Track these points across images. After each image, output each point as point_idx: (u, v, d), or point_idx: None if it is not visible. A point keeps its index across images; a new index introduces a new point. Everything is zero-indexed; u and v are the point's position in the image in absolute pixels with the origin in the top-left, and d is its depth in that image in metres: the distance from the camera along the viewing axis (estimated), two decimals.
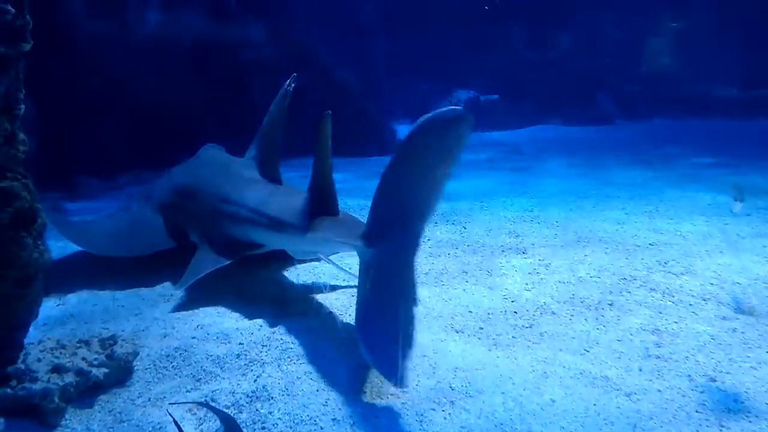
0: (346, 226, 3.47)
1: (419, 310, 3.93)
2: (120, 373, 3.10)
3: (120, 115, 8.55)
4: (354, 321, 3.37)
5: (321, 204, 3.62)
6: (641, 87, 16.02)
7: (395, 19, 16.57)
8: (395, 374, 2.72)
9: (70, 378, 2.91)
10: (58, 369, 2.94)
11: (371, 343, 2.86)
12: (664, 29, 16.82)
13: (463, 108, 2.90)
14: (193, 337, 3.60)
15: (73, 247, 4.97)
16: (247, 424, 2.75)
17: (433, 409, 2.84)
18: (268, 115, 4.58)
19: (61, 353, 3.07)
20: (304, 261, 4.76)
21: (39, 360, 3.00)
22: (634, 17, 16.51)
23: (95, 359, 3.04)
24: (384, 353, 2.78)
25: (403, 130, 13.44)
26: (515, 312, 3.92)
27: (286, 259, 5.04)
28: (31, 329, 3.07)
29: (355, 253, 3.36)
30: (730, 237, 5.29)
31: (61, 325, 3.78)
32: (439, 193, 2.94)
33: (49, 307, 3.99)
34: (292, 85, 4.43)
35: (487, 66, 16.69)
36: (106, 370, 3.01)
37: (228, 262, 4.15)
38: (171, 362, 3.31)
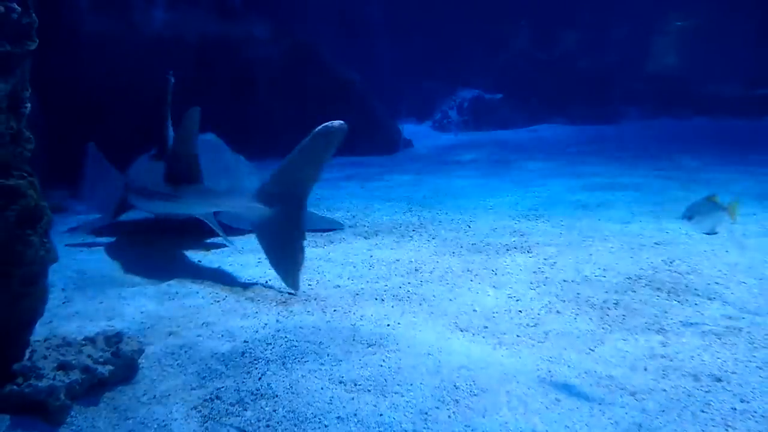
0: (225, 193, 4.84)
1: (423, 308, 3.94)
2: (125, 371, 3.10)
3: (126, 113, 8.57)
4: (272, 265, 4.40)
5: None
6: (647, 86, 15.94)
7: (400, 19, 16.55)
8: (292, 285, 4.25)
9: (75, 375, 2.91)
10: (63, 366, 2.95)
11: (281, 270, 4.33)
12: (670, 28, 16.73)
13: (342, 124, 4.04)
14: (198, 335, 3.61)
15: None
16: (252, 421, 2.76)
17: (438, 408, 2.84)
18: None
19: (66, 350, 3.08)
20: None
21: (45, 357, 3.01)
22: (640, 16, 16.43)
23: (101, 357, 3.05)
24: (287, 274, 4.30)
25: (408, 129, 13.47)
26: (520, 311, 3.91)
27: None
28: (37, 326, 3.08)
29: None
30: (735, 236, 5.27)
31: (67, 322, 3.80)
32: (318, 176, 4.38)
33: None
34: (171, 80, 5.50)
35: (492, 65, 16.65)
36: (111, 368, 3.02)
37: None
38: (176, 360, 3.32)
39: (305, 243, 4.27)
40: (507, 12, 16.56)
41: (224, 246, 5.42)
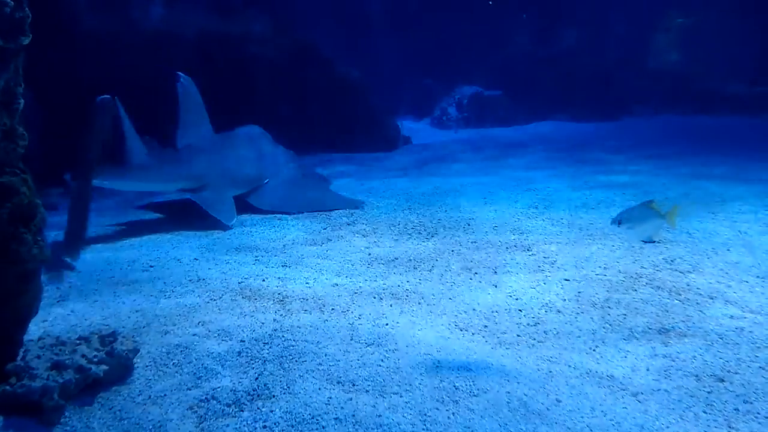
0: None
1: (422, 308, 3.90)
2: (120, 371, 3.06)
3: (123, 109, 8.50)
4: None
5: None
6: (649, 83, 15.88)
7: (400, 15, 16.48)
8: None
9: (69, 375, 2.87)
10: (57, 366, 2.91)
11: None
12: (671, 25, 16.67)
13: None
14: (194, 334, 3.57)
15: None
16: (248, 422, 2.72)
17: (438, 408, 2.80)
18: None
19: (60, 350, 3.04)
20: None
21: (38, 357, 2.97)
22: (641, 13, 16.37)
23: (95, 356, 3.01)
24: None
25: (407, 126, 13.43)
26: (520, 310, 3.87)
27: (287, 256, 5.01)
28: (30, 325, 3.04)
29: None
30: (737, 234, 5.23)
31: (62, 321, 3.76)
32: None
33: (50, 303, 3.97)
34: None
35: (492, 62, 16.60)
36: (106, 368, 2.98)
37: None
38: (172, 359, 3.28)
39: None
40: (507, 9, 16.50)
41: (221, 242, 5.38)
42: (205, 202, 5.95)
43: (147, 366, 3.21)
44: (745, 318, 3.68)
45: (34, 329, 3.23)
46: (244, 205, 6.40)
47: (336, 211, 6.45)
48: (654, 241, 3.80)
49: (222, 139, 6.74)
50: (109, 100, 4.93)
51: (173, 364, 3.24)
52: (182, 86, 6.38)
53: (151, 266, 4.81)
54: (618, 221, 3.50)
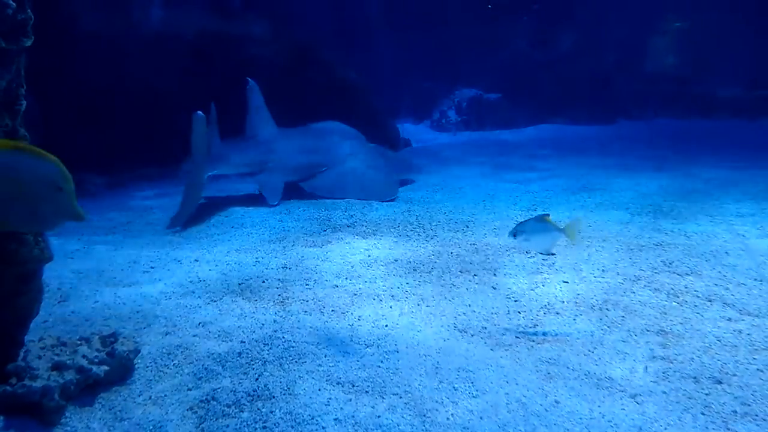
0: None
1: (422, 309, 3.92)
2: (121, 371, 3.08)
3: (124, 112, 8.53)
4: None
5: None
6: (646, 86, 15.92)
7: (399, 18, 16.51)
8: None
9: (70, 375, 2.89)
10: (58, 366, 2.92)
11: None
12: (668, 28, 16.72)
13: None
14: (194, 335, 3.58)
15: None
16: (248, 423, 2.73)
17: (437, 410, 2.82)
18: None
19: (61, 350, 3.05)
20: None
21: (39, 357, 2.98)
22: (639, 16, 16.41)
23: (96, 357, 3.02)
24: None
25: (406, 129, 13.45)
26: (519, 312, 3.89)
27: (287, 257, 5.03)
28: (31, 326, 3.05)
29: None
30: (735, 237, 5.25)
31: (63, 322, 3.77)
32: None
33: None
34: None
35: (492, 64, 16.62)
36: (106, 368, 2.99)
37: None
38: (172, 360, 3.29)
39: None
40: (506, 12, 16.55)
41: (224, 244, 5.39)
42: (259, 184, 7.21)
43: (147, 366, 3.22)
44: (743, 320, 3.69)
45: (35, 330, 3.23)
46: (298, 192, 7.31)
47: (336, 213, 6.47)
48: (552, 254, 3.87)
49: (288, 132, 7.76)
50: (202, 117, 6.17)
51: (174, 364, 3.25)
52: (250, 89, 7.43)
53: (152, 267, 4.82)
54: (514, 234, 3.57)
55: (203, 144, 6.33)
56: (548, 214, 3.58)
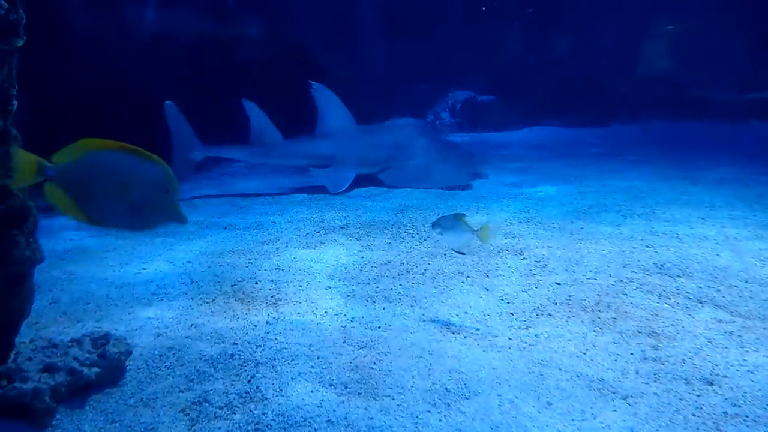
0: None
1: (415, 311, 3.92)
2: (112, 373, 3.06)
3: (116, 113, 8.49)
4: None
5: None
6: (639, 89, 16.00)
7: (393, 21, 16.52)
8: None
9: (61, 377, 2.87)
10: (49, 368, 2.91)
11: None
12: (661, 32, 16.82)
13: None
14: (186, 337, 3.57)
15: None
16: (241, 425, 2.73)
17: (429, 411, 2.82)
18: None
19: (52, 352, 3.04)
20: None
21: (30, 359, 2.96)
22: (632, 20, 16.50)
23: (87, 358, 3.01)
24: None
25: None
26: (511, 313, 3.90)
27: (281, 259, 5.02)
28: (22, 327, 3.04)
29: None
30: (727, 240, 5.28)
31: (54, 323, 3.75)
32: None
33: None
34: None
35: (486, 67, 16.67)
36: (98, 370, 2.98)
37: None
38: (164, 362, 3.28)
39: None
40: (500, 15, 16.61)
41: (217, 245, 5.38)
42: (326, 175, 7.78)
43: (139, 368, 3.21)
44: (734, 322, 3.72)
45: (26, 331, 3.22)
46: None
47: (330, 214, 6.47)
48: (462, 253, 3.95)
49: (362, 128, 8.44)
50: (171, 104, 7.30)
51: (165, 366, 3.24)
52: (316, 90, 8.17)
53: (144, 269, 4.81)
54: (433, 224, 3.76)
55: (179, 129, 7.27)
56: (464, 215, 3.70)
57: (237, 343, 3.48)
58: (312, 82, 8.19)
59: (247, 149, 7.82)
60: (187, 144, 7.34)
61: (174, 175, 2.61)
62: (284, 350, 3.39)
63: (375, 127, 8.78)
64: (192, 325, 3.74)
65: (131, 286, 4.41)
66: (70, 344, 3.12)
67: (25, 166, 2.53)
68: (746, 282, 4.32)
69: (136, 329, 3.68)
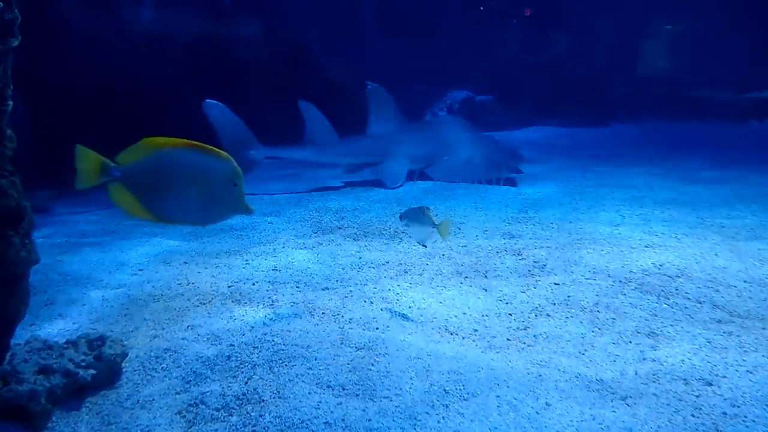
0: None
1: (413, 311, 3.90)
2: (108, 375, 3.04)
3: (112, 112, 8.47)
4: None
5: None
6: (637, 89, 16.01)
7: (392, 21, 16.51)
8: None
9: (57, 379, 2.85)
10: (45, 370, 2.89)
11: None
12: (660, 32, 16.83)
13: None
14: (183, 338, 3.55)
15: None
16: (237, 427, 2.71)
17: (427, 413, 2.80)
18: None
19: (48, 354, 3.02)
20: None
21: (25, 361, 2.94)
22: (631, 20, 16.51)
23: (83, 360, 2.99)
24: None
25: None
26: (510, 314, 3.88)
27: (277, 260, 5.00)
28: (18, 329, 3.01)
29: None
30: (725, 239, 5.28)
31: (50, 325, 3.73)
32: None
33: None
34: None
35: (484, 67, 16.66)
36: (93, 372, 2.96)
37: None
38: (160, 364, 3.26)
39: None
40: (499, 15, 16.61)
41: (214, 246, 5.36)
42: (377, 171, 8.26)
43: (135, 370, 3.19)
44: (733, 322, 3.71)
45: (21, 333, 3.19)
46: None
47: (327, 215, 6.45)
48: (425, 246, 4.03)
49: (410, 127, 9.05)
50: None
51: (162, 368, 3.22)
52: (370, 90, 8.70)
53: (140, 269, 4.79)
54: (400, 216, 3.86)
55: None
56: (429, 208, 3.77)
57: (234, 345, 3.46)
58: (368, 82, 8.73)
59: (305, 149, 8.09)
60: (244, 142, 7.49)
61: (240, 169, 2.72)
62: (281, 352, 3.37)
63: (422, 125, 9.66)
64: (189, 326, 3.72)
65: (127, 287, 4.39)
66: (65, 346, 3.10)
67: (89, 167, 2.60)
68: (745, 282, 4.31)
69: (132, 330, 3.66)
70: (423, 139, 8.94)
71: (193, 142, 2.74)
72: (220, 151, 2.72)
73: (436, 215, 3.75)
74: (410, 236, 4.28)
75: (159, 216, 2.76)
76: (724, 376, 3.09)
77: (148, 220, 2.78)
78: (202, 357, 3.32)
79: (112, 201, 2.72)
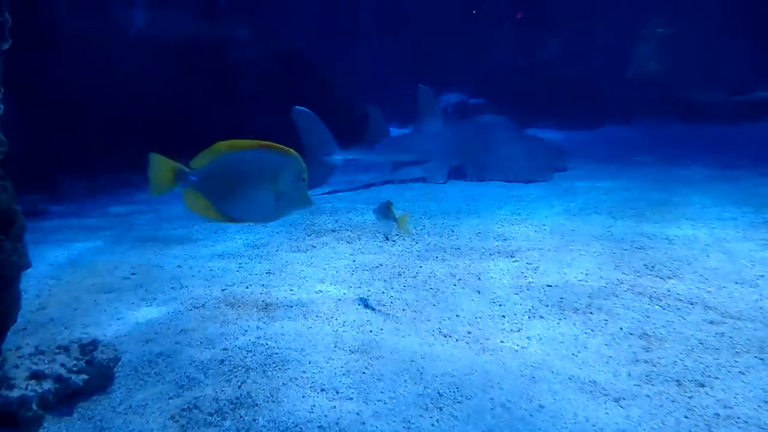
0: None
1: (407, 314, 3.90)
2: (100, 380, 3.02)
3: (104, 114, 8.44)
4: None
5: None
6: (631, 92, 16.09)
7: (386, 23, 16.55)
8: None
9: (48, 385, 2.83)
10: (36, 375, 2.86)
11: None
12: (653, 34, 16.92)
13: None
14: (176, 343, 3.53)
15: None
16: (231, 431, 2.70)
17: (421, 416, 2.80)
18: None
19: (39, 359, 2.99)
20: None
21: (17, 366, 2.91)
22: (623, 22, 16.59)
23: (75, 365, 2.96)
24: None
25: (393, 133, 13.44)
26: (503, 316, 3.89)
27: (271, 263, 4.99)
28: (9, 334, 2.99)
29: None
30: (717, 241, 5.30)
31: (41, 330, 3.70)
32: None
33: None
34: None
35: (477, 70, 16.71)
36: (86, 377, 2.94)
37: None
38: (153, 368, 3.24)
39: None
40: (492, 18, 16.67)
41: (207, 249, 5.34)
42: (424, 169, 8.69)
43: (128, 375, 3.17)
44: (725, 323, 3.72)
45: (13, 338, 3.17)
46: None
47: (321, 217, 6.44)
48: (387, 239, 4.19)
49: (452, 126, 9.79)
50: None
51: (155, 372, 3.20)
52: (422, 91, 9.27)
53: (133, 273, 4.77)
54: (374, 210, 4.01)
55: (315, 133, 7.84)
56: (391, 202, 3.89)
57: (227, 349, 3.44)
58: (420, 84, 9.28)
59: (373, 150, 8.83)
60: (326, 147, 7.83)
61: (305, 164, 2.78)
62: (275, 355, 3.37)
63: (466, 124, 10.08)
64: (182, 330, 3.70)
65: (120, 291, 4.37)
66: (57, 351, 3.08)
67: (164, 174, 2.60)
68: (736, 283, 4.33)
69: (124, 335, 3.65)
70: (467, 136, 9.33)
71: (261, 141, 2.75)
72: (286, 147, 2.74)
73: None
74: (380, 229, 4.41)
75: (231, 217, 2.78)
76: (717, 377, 3.10)
77: (221, 221, 2.81)
78: (195, 361, 3.30)
79: (186, 206, 2.72)
